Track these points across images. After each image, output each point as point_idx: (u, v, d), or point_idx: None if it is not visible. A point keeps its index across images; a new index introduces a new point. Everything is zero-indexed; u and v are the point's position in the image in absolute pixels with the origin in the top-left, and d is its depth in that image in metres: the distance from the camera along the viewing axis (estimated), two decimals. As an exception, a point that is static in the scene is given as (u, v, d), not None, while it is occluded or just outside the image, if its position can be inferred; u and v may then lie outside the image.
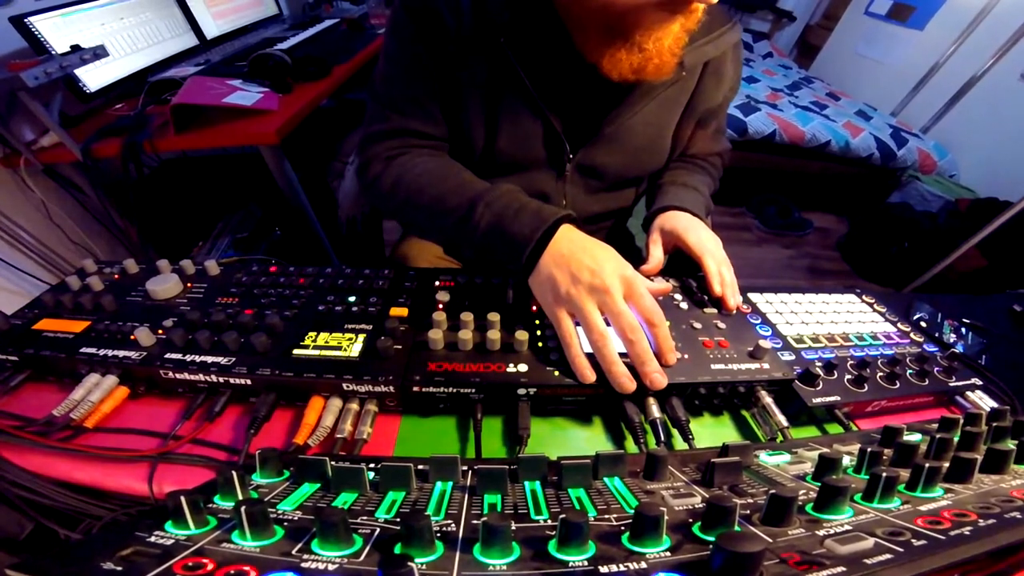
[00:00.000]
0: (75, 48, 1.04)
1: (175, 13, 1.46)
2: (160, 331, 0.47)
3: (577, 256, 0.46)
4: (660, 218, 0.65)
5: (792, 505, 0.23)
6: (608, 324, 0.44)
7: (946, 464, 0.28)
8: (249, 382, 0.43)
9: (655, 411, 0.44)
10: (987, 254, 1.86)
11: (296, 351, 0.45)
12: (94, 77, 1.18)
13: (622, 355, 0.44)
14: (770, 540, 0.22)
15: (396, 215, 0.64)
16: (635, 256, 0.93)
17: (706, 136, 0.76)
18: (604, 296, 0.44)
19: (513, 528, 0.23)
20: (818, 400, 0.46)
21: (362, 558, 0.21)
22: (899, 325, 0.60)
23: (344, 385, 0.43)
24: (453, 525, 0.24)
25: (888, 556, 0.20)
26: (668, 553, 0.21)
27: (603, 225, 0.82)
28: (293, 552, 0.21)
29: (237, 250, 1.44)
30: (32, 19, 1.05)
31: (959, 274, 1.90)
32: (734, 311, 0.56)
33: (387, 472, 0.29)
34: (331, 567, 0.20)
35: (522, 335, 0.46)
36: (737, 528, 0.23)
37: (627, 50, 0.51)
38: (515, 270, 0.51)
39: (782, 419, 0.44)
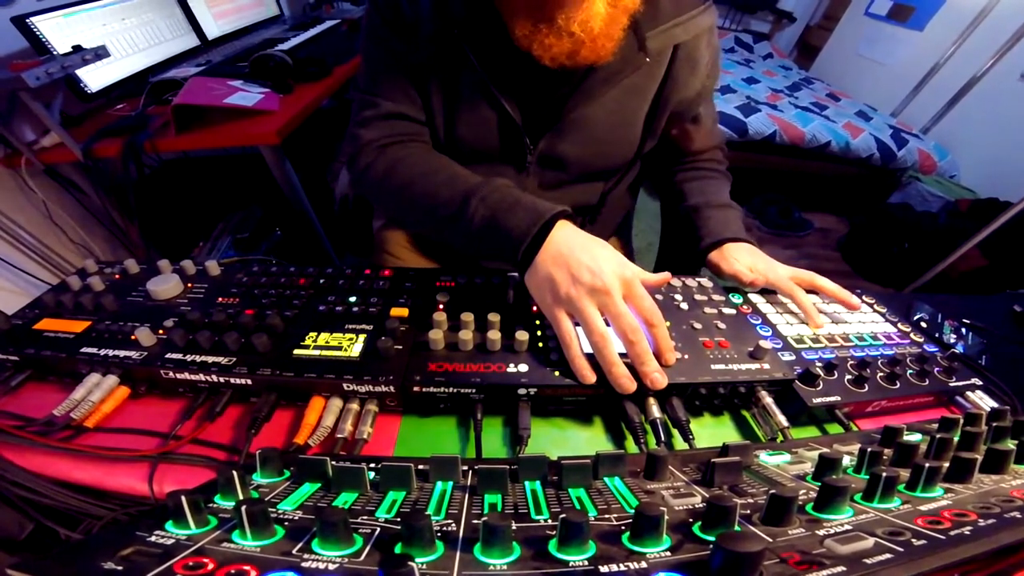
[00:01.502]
0: (77, 48, 1.04)
1: (176, 14, 1.46)
2: (161, 331, 0.47)
3: (576, 255, 0.46)
4: (727, 256, 0.65)
5: (792, 505, 0.23)
6: (607, 324, 0.44)
7: (946, 464, 0.28)
8: (249, 382, 0.43)
9: (655, 411, 0.44)
10: (988, 254, 1.86)
11: (296, 351, 0.45)
12: (95, 77, 1.18)
13: (622, 355, 0.44)
14: (770, 540, 0.22)
15: (386, 206, 0.63)
16: (629, 256, 0.93)
17: (702, 130, 0.74)
18: (604, 297, 0.44)
19: (513, 528, 0.23)
20: (818, 400, 0.46)
21: (362, 558, 0.21)
22: (899, 325, 0.60)
23: (344, 385, 0.43)
24: (453, 525, 0.24)
25: (888, 556, 0.20)
26: (668, 553, 0.21)
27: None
28: (294, 552, 0.21)
29: (237, 250, 1.44)
30: (34, 19, 1.05)
31: (959, 274, 1.90)
32: (859, 306, 0.60)
33: (387, 472, 0.29)
34: (331, 567, 0.20)
35: (522, 335, 0.46)
36: (737, 528, 0.23)
37: (555, 35, 0.50)
38: (510, 266, 0.51)
39: (782, 419, 0.44)
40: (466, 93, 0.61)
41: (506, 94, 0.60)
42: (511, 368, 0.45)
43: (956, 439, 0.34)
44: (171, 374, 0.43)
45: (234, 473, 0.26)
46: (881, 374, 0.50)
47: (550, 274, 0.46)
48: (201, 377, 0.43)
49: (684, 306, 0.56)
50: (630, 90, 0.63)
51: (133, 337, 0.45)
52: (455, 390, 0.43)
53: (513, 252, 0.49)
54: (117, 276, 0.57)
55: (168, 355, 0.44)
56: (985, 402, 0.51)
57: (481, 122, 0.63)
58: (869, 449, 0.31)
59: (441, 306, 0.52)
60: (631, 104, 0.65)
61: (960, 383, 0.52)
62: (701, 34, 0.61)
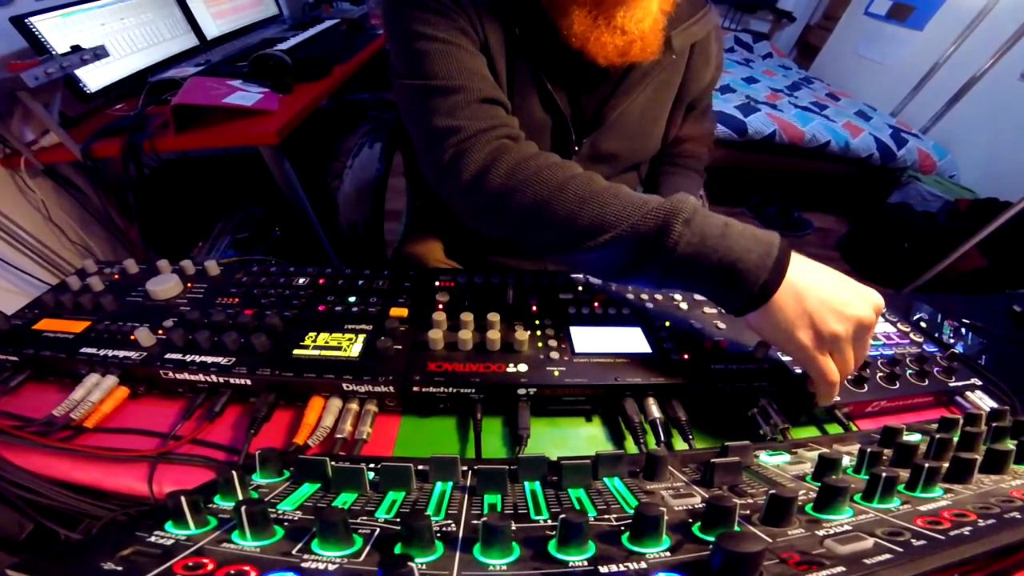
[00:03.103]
0: (75, 48, 1.04)
1: (175, 13, 1.46)
2: (160, 331, 0.47)
3: (835, 289, 0.41)
4: None
5: (792, 505, 0.23)
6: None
7: (946, 464, 0.28)
8: (249, 382, 0.43)
9: (655, 411, 0.44)
10: (987, 254, 1.86)
11: (296, 351, 0.45)
12: (94, 77, 1.18)
13: None
14: (770, 540, 0.22)
15: (507, 222, 0.49)
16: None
17: (690, 118, 0.76)
18: (865, 332, 0.41)
19: (513, 528, 0.23)
20: (818, 400, 0.46)
21: (362, 558, 0.21)
22: (899, 325, 0.60)
23: (344, 385, 0.43)
24: (453, 525, 0.24)
25: (888, 556, 0.20)
26: (668, 553, 0.21)
27: None
28: (293, 552, 0.21)
29: (237, 250, 1.44)
30: (32, 19, 1.05)
31: (959, 274, 1.90)
32: None
33: (387, 472, 0.29)
34: (331, 567, 0.20)
35: (522, 335, 0.46)
36: (737, 528, 0.23)
37: (610, 33, 0.52)
38: (718, 298, 0.44)
39: (782, 419, 0.44)
40: (517, 89, 0.59)
41: (558, 93, 0.61)
42: (511, 368, 0.45)
43: (956, 439, 0.34)
44: (170, 374, 0.43)
45: (234, 473, 0.26)
46: (881, 374, 0.50)
47: (808, 311, 0.40)
48: (200, 377, 0.43)
49: (684, 306, 0.56)
50: (659, 86, 0.67)
51: (132, 337, 0.45)
52: (455, 390, 0.43)
53: (739, 285, 0.40)
54: (116, 276, 0.57)
55: (167, 355, 0.44)
56: (985, 402, 0.51)
57: (532, 121, 0.61)
58: (869, 449, 0.31)
59: (440, 306, 0.52)
60: (661, 100, 0.69)
61: (960, 383, 0.52)
62: (711, 31, 0.67)
